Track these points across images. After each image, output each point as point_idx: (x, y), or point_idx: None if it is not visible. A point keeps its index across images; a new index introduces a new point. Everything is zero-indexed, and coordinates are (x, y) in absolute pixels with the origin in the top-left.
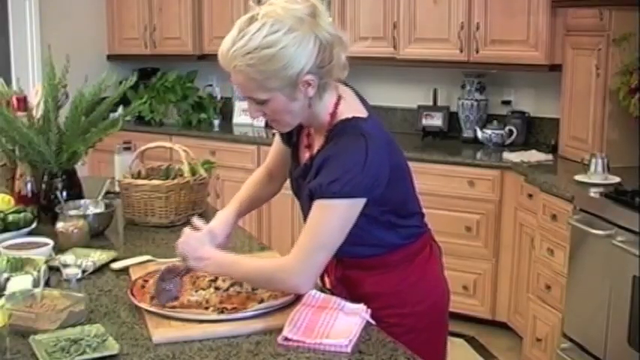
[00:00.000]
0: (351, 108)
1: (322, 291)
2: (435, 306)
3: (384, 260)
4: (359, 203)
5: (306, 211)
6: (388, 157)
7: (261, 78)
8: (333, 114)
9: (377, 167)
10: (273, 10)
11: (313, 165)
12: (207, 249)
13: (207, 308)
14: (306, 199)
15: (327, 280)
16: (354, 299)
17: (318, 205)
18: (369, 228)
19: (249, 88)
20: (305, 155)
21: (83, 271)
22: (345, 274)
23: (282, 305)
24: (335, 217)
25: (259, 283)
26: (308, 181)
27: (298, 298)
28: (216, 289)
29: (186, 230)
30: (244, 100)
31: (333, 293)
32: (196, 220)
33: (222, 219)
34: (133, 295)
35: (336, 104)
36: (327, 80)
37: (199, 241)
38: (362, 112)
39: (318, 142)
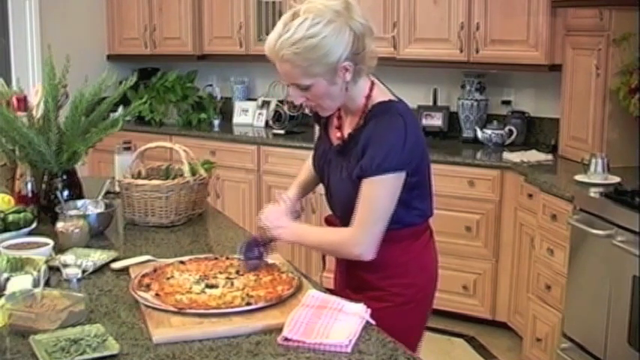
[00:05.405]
0: (383, 93)
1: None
2: (431, 281)
3: (394, 235)
4: (403, 175)
5: (337, 183)
6: (420, 134)
7: (306, 65)
8: (369, 97)
9: (414, 143)
10: (314, 6)
11: (355, 143)
12: (286, 220)
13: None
14: (342, 174)
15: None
16: (362, 268)
17: (370, 181)
18: None
19: (295, 75)
20: (336, 135)
21: (83, 271)
22: None
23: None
24: (386, 190)
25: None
26: (348, 158)
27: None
28: (211, 287)
29: (269, 205)
30: (289, 86)
31: (339, 263)
32: (283, 196)
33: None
34: (134, 290)
35: (371, 88)
36: (361, 66)
37: (279, 213)
38: (393, 97)
39: (350, 123)
